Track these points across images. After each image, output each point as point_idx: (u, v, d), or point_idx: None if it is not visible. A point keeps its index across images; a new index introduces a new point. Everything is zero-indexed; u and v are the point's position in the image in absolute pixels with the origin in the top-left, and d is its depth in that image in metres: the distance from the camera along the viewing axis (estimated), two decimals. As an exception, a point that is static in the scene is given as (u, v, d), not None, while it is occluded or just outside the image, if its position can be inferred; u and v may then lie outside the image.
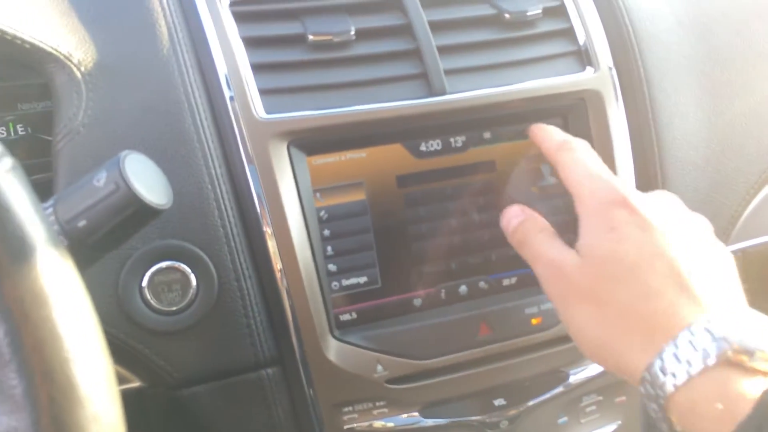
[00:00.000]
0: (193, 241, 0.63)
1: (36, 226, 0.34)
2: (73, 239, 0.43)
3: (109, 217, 0.43)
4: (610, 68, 0.74)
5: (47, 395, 0.33)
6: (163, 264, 0.62)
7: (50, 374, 0.34)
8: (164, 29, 0.65)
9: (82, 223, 0.42)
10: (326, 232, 0.68)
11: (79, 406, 0.34)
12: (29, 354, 0.33)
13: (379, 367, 0.68)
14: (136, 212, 0.44)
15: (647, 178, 0.76)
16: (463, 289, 0.73)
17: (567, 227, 0.72)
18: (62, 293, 0.35)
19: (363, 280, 0.69)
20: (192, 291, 0.62)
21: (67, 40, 0.63)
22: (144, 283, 0.61)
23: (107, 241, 0.44)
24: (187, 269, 0.62)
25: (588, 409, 0.76)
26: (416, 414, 0.69)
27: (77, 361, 0.35)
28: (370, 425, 0.68)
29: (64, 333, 0.34)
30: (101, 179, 0.43)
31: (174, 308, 0.62)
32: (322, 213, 0.67)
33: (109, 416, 0.36)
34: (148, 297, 0.62)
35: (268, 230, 0.64)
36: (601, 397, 0.76)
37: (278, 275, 0.65)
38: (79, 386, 0.34)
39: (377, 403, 0.68)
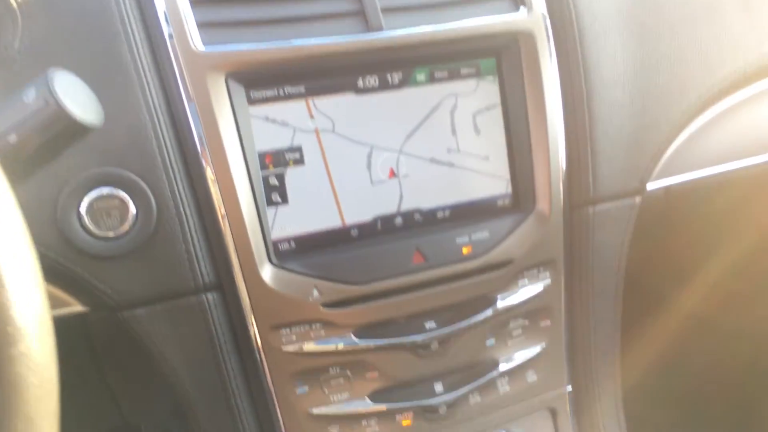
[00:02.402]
0: (131, 168, 0.64)
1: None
2: (4, 154, 0.44)
3: (40, 132, 0.44)
4: (543, 12, 0.77)
5: None
6: (101, 191, 0.64)
7: None
8: None
9: (12, 138, 0.44)
10: (265, 162, 0.70)
11: (8, 342, 0.34)
12: None
13: (315, 292, 0.71)
14: (66, 129, 0.46)
15: (575, 119, 0.80)
16: (398, 220, 0.76)
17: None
18: None
19: (301, 211, 0.72)
20: (131, 217, 0.64)
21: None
22: (82, 209, 0.63)
23: (39, 156, 0.46)
24: (126, 196, 0.64)
25: (515, 333, 0.81)
26: (351, 336, 0.73)
27: (10, 296, 0.34)
28: (307, 346, 0.72)
29: None
30: (30, 95, 0.44)
31: (113, 234, 0.64)
32: (260, 144, 0.69)
33: (39, 353, 0.35)
34: (87, 223, 0.63)
35: (206, 160, 0.66)
36: (527, 321, 0.81)
37: (217, 203, 0.67)
38: (11, 320, 0.34)
39: (313, 326, 0.71)
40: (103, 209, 0.64)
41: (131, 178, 0.64)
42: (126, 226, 0.64)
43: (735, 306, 1.09)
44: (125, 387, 0.87)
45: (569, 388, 0.87)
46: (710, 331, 1.14)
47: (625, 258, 0.86)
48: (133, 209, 0.64)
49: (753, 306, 1.08)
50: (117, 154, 0.64)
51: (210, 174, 0.67)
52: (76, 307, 0.68)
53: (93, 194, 0.63)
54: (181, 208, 0.66)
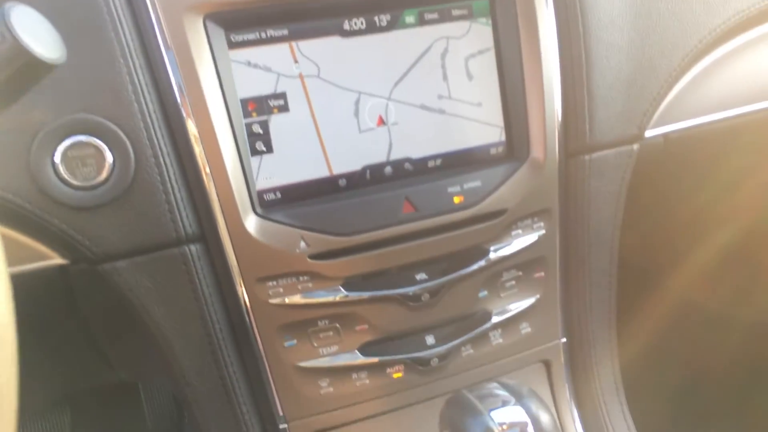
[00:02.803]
0: (106, 115, 0.62)
1: None
2: (-40, 93, 0.42)
3: (-1, 69, 0.42)
4: None
5: None
6: (76, 138, 0.61)
7: None
8: None
9: (-30, 75, 0.41)
10: (248, 110, 0.67)
11: None
12: None
13: (302, 243, 0.69)
14: (27, 65, 0.43)
15: (571, 62, 0.76)
16: (388, 170, 0.74)
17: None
18: None
19: (286, 160, 0.70)
20: (108, 166, 0.62)
21: None
22: (57, 158, 0.61)
23: (2, 96, 0.43)
24: (102, 144, 0.62)
25: (508, 284, 0.79)
26: (339, 288, 0.71)
27: None
28: (295, 299, 0.70)
29: None
30: (-15, 30, 0.41)
31: (89, 183, 0.62)
32: (241, 90, 0.66)
33: None
34: (62, 172, 0.61)
35: (185, 106, 0.64)
36: (520, 273, 0.79)
37: (197, 152, 0.65)
38: None
39: (301, 278, 0.70)
40: (79, 158, 0.61)
41: (107, 126, 0.62)
42: (103, 176, 0.62)
43: (735, 257, 1.07)
44: (113, 344, 0.86)
45: (563, 340, 0.86)
46: (709, 283, 1.12)
47: (621, 208, 0.84)
48: (109, 158, 0.62)
49: (754, 258, 1.06)
50: (91, 101, 0.62)
51: (190, 121, 0.64)
52: (57, 260, 0.66)
53: (67, 142, 0.61)
54: (161, 157, 0.64)
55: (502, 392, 0.63)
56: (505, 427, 0.59)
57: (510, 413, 0.60)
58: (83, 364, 0.97)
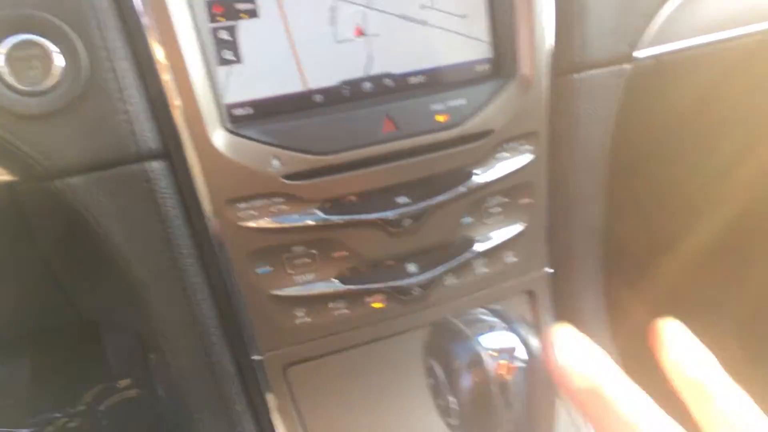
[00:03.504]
0: (54, 12, 0.55)
1: None
2: None
3: None
4: None
5: None
6: (20, 37, 0.54)
7: None
8: None
9: None
10: (212, 12, 0.61)
11: None
12: None
13: (276, 162, 0.64)
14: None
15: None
16: (367, 85, 0.68)
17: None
18: None
19: (258, 72, 0.64)
20: (57, 69, 0.56)
21: None
22: (-1, 60, 0.54)
23: None
24: (49, 44, 0.55)
25: (492, 210, 0.75)
26: (316, 211, 0.66)
27: None
28: (267, 222, 0.65)
29: None
30: None
31: (37, 89, 0.56)
32: None
33: None
34: (6, 75, 0.55)
35: (145, 5, 0.57)
36: (506, 199, 0.76)
37: (158, 58, 0.59)
38: None
39: (274, 200, 0.65)
40: (23, 59, 0.55)
41: (54, 23, 0.55)
42: (52, 80, 0.56)
43: (728, 187, 1.05)
44: (72, 276, 0.81)
45: (550, 270, 0.83)
46: (700, 214, 1.10)
47: (611, 132, 0.80)
48: (59, 60, 0.56)
49: (747, 187, 1.04)
50: None
51: (148, 22, 0.58)
52: (3, 177, 0.60)
53: (10, 41, 0.54)
54: (116, 62, 0.58)
55: (489, 318, 0.60)
56: (494, 352, 0.56)
57: (498, 338, 0.57)
58: (41, 303, 0.91)
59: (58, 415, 1.29)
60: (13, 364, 1.19)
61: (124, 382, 1.34)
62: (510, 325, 0.58)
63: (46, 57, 0.55)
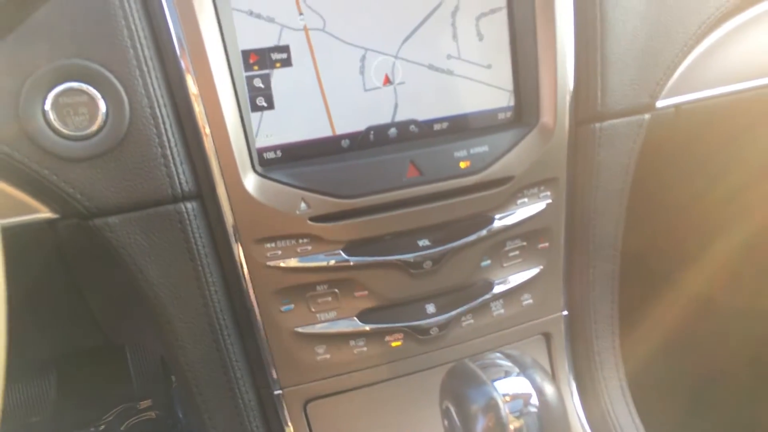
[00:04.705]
0: (100, 62, 0.59)
1: None
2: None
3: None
4: None
5: None
6: (68, 85, 0.58)
7: None
8: None
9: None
10: (249, 62, 0.64)
11: None
12: None
13: (303, 205, 0.66)
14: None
15: (586, 25, 0.74)
16: (392, 131, 0.71)
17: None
18: None
19: (288, 117, 0.67)
20: (101, 115, 0.59)
21: None
22: (47, 106, 0.58)
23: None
24: (95, 92, 0.59)
25: (511, 254, 0.77)
26: (340, 252, 0.69)
27: None
28: (293, 262, 0.68)
29: None
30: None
31: (82, 133, 0.59)
32: (243, 42, 0.63)
33: None
34: (53, 120, 0.58)
35: (183, 56, 0.61)
36: (524, 243, 0.77)
37: (195, 105, 0.62)
38: None
39: (300, 241, 0.67)
40: (70, 106, 0.58)
41: (101, 72, 0.58)
42: (96, 126, 0.59)
43: (747, 241, 1.05)
44: (103, 305, 0.84)
45: (565, 312, 0.84)
46: (720, 269, 1.11)
47: (630, 180, 0.81)
48: (103, 107, 0.59)
49: (762, 227, 1.04)
50: (85, 46, 0.58)
51: (188, 71, 0.61)
52: (46, 214, 0.63)
53: (59, 89, 0.58)
54: (157, 109, 0.61)
55: (505, 362, 0.61)
56: (508, 398, 0.57)
57: (514, 384, 0.58)
58: (71, 326, 0.94)
59: (81, 433, 1.32)
60: (41, 383, 1.22)
61: (145, 403, 1.36)
62: (525, 371, 0.60)
63: (92, 104, 0.59)
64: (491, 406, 0.57)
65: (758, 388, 1.22)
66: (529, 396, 0.58)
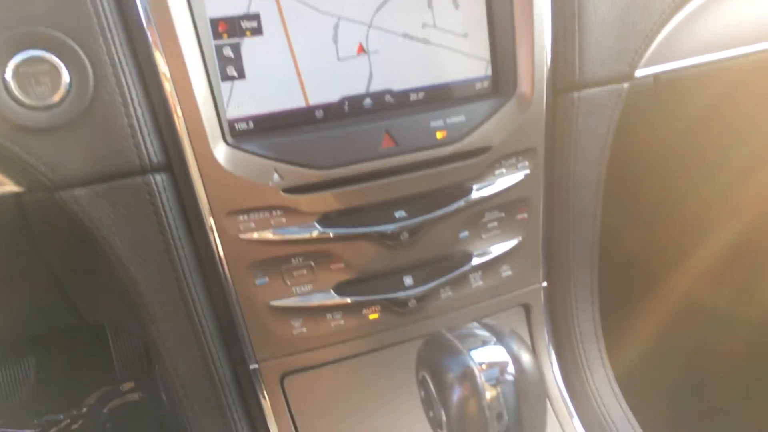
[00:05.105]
0: (62, 29, 0.57)
1: None
2: None
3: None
4: None
5: None
6: (29, 53, 0.56)
7: None
8: None
9: None
10: (218, 31, 0.62)
11: None
12: None
13: (276, 176, 0.65)
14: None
15: (564, -10, 0.73)
16: (367, 102, 0.70)
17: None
18: None
19: (260, 88, 0.65)
20: (64, 85, 0.57)
21: None
22: (7, 75, 0.56)
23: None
24: (57, 60, 0.57)
25: (489, 225, 0.76)
26: (314, 224, 0.68)
27: None
28: (267, 234, 0.66)
29: None
30: None
31: (44, 103, 0.57)
32: (211, 9, 0.62)
33: None
34: (14, 90, 0.56)
35: (149, 24, 0.59)
36: (503, 214, 0.77)
37: (162, 74, 0.60)
38: None
39: (274, 212, 0.66)
40: (32, 75, 0.57)
41: (63, 40, 0.57)
42: (58, 95, 0.57)
43: (723, 201, 1.05)
44: (75, 282, 0.82)
45: (544, 284, 0.83)
46: (696, 228, 1.11)
47: (609, 149, 0.81)
48: (66, 76, 0.57)
49: (743, 201, 1.04)
50: (47, 13, 0.57)
51: (154, 40, 0.59)
52: (10, 187, 0.61)
53: (19, 58, 0.56)
54: (122, 78, 0.59)
55: (482, 332, 0.60)
56: (485, 366, 0.57)
57: (490, 352, 0.58)
58: (44, 306, 0.93)
59: (61, 416, 1.31)
60: (19, 366, 1.21)
61: (128, 385, 1.35)
62: (502, 340, 0.59)
63: (55, 73, 0.57)
64: (467, 375, 0.56)
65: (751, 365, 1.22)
66: (506, 364, 0.57)
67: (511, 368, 0.57)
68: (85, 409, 1.33)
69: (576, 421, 0.83)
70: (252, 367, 0.72)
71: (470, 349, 0.58)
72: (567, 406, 0.83)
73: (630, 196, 1.01)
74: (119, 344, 1.25)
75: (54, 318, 0.98)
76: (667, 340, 1.23)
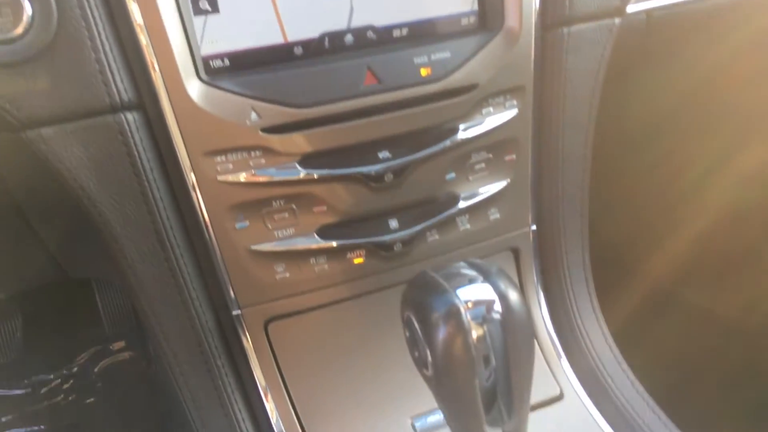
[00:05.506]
0: None
1: None
2: None
3: None
4: None
5: None
6: (-14, -19, 0.53)
7: None
8: None
9: None
10: None
11: None
12: None
13: (254, 114, 0.63)
14: None
15: None
16: (348, 38, 0.67)
17: None
18: None
19: (235, 23, 0.62)
20: (26, 17, 0.54)
21: None
22: (-35, 5, 0.53)
23: None
24: (17, -10, 0.54)
25: (477, 166, 0.74)
26: (295, 165, 0.66)
27: None
28: (246, 176, 0.64)
29: None
30: None
31: (6, 36, 0.54)
32: None
33: None
34: (-28, 21, 0.53)
35: None
36: (490, 155, 0.75)
37: (130, 6, 0.57)
38: None
39: (252, 153, 0.64)
40: (-9, 6, 0.54)
41: None
42: (20, 28, 0.55)
43: (716, 146, 1.03)
44: (51, 231, 0.80)
45: (533, 227, 0.82)
46: (684, 181, 1.09)
47: (599, 89, 0.78)
48: (28, 7, 0.54)
49: (734, 146, 1.02)
50: None
51: None
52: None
53: (-25, -13, 0.53)
54: (87, 10, 0.56)
55: (469, 271, 0.59)
56: (470, 304, 0.55)
57: (476, 290, 0.56)
58: (25, 261, 0.91)
59: (51, 376, 1.30)
60: (6, 324, 1.19)
61: (118, 345, 1.35)
62: (489, 278, 0.57)
63: (16, 4, 0.54)
64: (452, 313, 0.54)
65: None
66: (493, 302, 0.56)
67: (498, 306, 0.55)
68: (75, 369, 1.32)
69: (564, 362, 0.82)
70: (235, 312, 0.71)
71: (456, 288, 0.56)
72: (555, 347, 0.82)
73: (622, 144, 0.99)
74: (106, 301, 1.24)
75: (37, 274, 0.96)
76: (661, 291, 1.22)
